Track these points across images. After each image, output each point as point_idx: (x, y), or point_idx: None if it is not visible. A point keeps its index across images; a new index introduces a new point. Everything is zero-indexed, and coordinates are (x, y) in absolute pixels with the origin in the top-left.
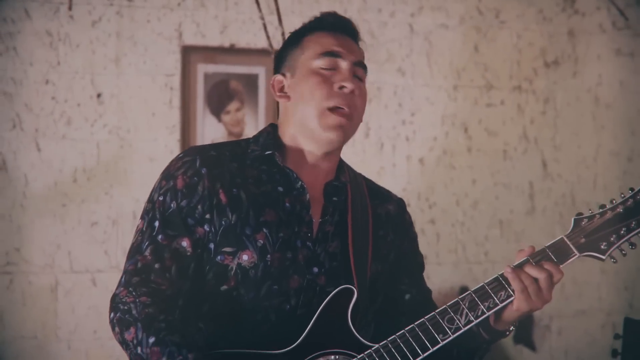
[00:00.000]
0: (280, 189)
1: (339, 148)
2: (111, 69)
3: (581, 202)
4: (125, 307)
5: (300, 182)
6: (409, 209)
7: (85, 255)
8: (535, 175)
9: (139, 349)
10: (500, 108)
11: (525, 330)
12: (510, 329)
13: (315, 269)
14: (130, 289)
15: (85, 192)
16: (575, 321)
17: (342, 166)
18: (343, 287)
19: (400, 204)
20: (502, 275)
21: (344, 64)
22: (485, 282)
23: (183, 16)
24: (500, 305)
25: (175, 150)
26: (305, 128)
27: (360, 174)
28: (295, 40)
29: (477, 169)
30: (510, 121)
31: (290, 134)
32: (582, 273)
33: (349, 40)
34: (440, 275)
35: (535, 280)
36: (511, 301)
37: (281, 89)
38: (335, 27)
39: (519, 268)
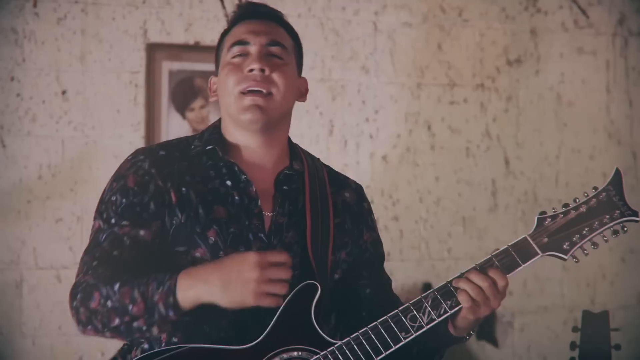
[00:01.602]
0: (229, 182)
1: (278, 129)
2: (76, 66)
3: (543, 199)
4: (83, 286)
5: (244, 176)
6: (372, 206)
7: (50, 251)
8: (497, 173)
9: (108, 303)
10: (463, 106)
11: (487, 326)
12: (468, 335)
13: None
14: (89, 272)
15: (50, 188)
16: (538, 317)
17: (296, 153)
18: (306, 283)
19: (358, 190)
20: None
21: (252, 49)
22: (435, 288)
23: (148, 14)
24: (450, 312)
25: (139, 147)
26: (230, 117)
27: (319, 160)
28: (220, 41)
29: (440, 166)
30: (473, 119)
31: (227, 128)
32: (544, 269)
33: (264, 23)
34: (403, 272)
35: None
36: (459, 309)
37: (215, 90)
38: (247, 15)
39: (463, 278)
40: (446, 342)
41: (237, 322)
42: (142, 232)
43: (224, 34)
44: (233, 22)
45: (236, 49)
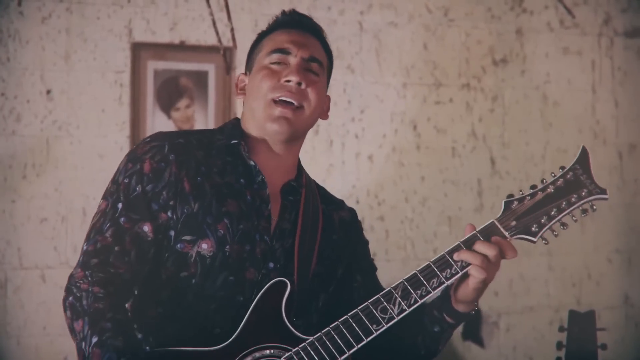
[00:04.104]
0: (242, 181)
1: (297, 142)
2: (61, 66)
3: None
4: (79, 294)
5: (261, 176)
6: (357, 206)
7: (35, 251)
8: (483, 173)
9: (83, 344)
10: (449, 106)
11: (473, 326)
12: (475, 309)
13: (272, 264)
14: (87, 272)
15: (34, 188)
16: (524, 317)
17: (301, 168)
18: (276, 280)
19: (353, 212)
20: (448, 252)
21: (292, 59)
22: (432, 260)
23: (133, 13)
24: (447, 283)
25: (125, 146)
26: (255, 121)
27: (313, 180)
28: (257, 41)
29: (425, 166)
30: (458, 119)
31: (249, 127)
32: (530, 269)
33: (306, 36)
34: (389, 272)
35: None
36: (457, 279)
37: (242, 87)
38: (290, 24)
39: (469, 248)
40: (452, 322)
41: (208, 322)
42: (145, 228)
43: (263, 35)
44: (275, 27)
45: (276, 56)
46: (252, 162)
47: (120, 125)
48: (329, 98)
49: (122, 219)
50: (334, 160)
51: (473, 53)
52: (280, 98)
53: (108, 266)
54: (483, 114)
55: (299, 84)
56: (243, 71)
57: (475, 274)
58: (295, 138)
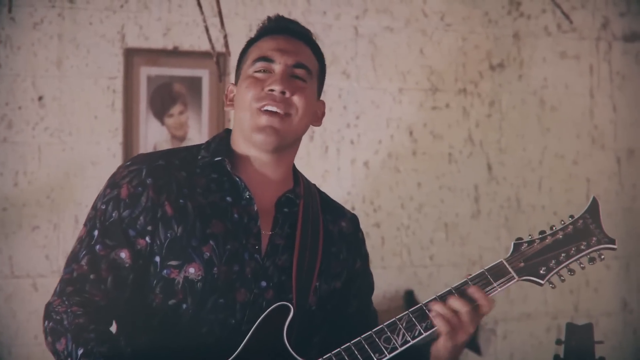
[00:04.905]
0: (229, 198)
1: (288, 151)
2: (53, 72)
3: (527, 205)
4: (58, 317)
5: (248, 192)
6: (353, 212)
7: (27, 259)
8: (480, 179)
9: (67, 351)
10: (446, 111)
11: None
12: None
13: (264, 283)
14: (63, 298)
15: (26, 196)
16: (521, 324)
17: (298, 177)
18: (279, 304)
19: (353, 220)
20: (425, 304)
21: (277, 67)
22: (409, 310)
23: (126, 18)
24: (424, 335)
25: (117, 153)
26: (243, 132)
27: (314, 185)
28: (244, 50)
29: (422, 172)
30: (455, 124)
31: (237, 141)
32: None
33: (292, 42)
34: (385, 279)
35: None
36: (433, 332)
37: (232, 99)
38: (276, 30)
39: (442, 301)
40: None
41: (200, 347)
42: (122, 255)
43: (249, 44)
44: (261, 34)
45: (260, 65)
46: (238, 178)
47: (113, 132)
48: (323, 103)
49: (97, 247)
50: (329, 166)
51: (470, 58)
52: (265, 107)
53: (84, 293)
54: (480, 119)
55: (283, 92)
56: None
57: (439, 325)
58: (284, 147)
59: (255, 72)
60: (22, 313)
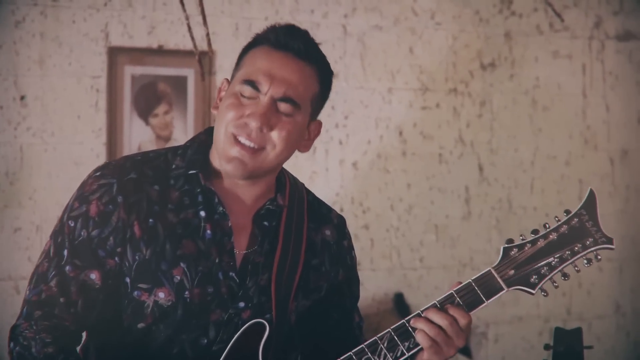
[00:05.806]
0: (202, 213)
1: (264, 177)
2: (35, 71)
3: (518, 206)
4: (25, 343)
5: (221, 208)
6: (341, 214)
7: (8, 261)
8: (471, 180)
9: None
10: (436, 111)
11: None
12: None
13: (242, 304)
14: (31, 322)
15: (8, 197)
16: (512, 328)
17: (282, 183)
18: (254, 322)
19: (339, 226)
20: (408, 321)
21: (262, 98)
22: (391, 327)
23: (110, 16)
24: (407, 355)
25: (101, 154)
26: (217, 148)
27: (302, 185)
28: (244, 50)
29: (412, 173)
30: (445, 124)
31: (213, 153)
32: None
33: (290, 64)
34: (374, 282)
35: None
36: (419, 351)
37: (222, 98)
38: (277, 45)
39: (422, 317)
40: None
41: None
42: (92, 276)
43: (249, 47)
44: (260, 41)
45: (246, 89)
46: (212, 192)
47: (96, 132)
48: (318, 124)
49: (67, 267)
50: (317, 167)
51: (460, 57)
52: (238, 137)
53: (53, 318)
54: (471, 119)
55: (261, 129)
56: (224, 76)
57: (422, 342)
58: (256, 176)
59: (242, 93)
60: (4, 316)
